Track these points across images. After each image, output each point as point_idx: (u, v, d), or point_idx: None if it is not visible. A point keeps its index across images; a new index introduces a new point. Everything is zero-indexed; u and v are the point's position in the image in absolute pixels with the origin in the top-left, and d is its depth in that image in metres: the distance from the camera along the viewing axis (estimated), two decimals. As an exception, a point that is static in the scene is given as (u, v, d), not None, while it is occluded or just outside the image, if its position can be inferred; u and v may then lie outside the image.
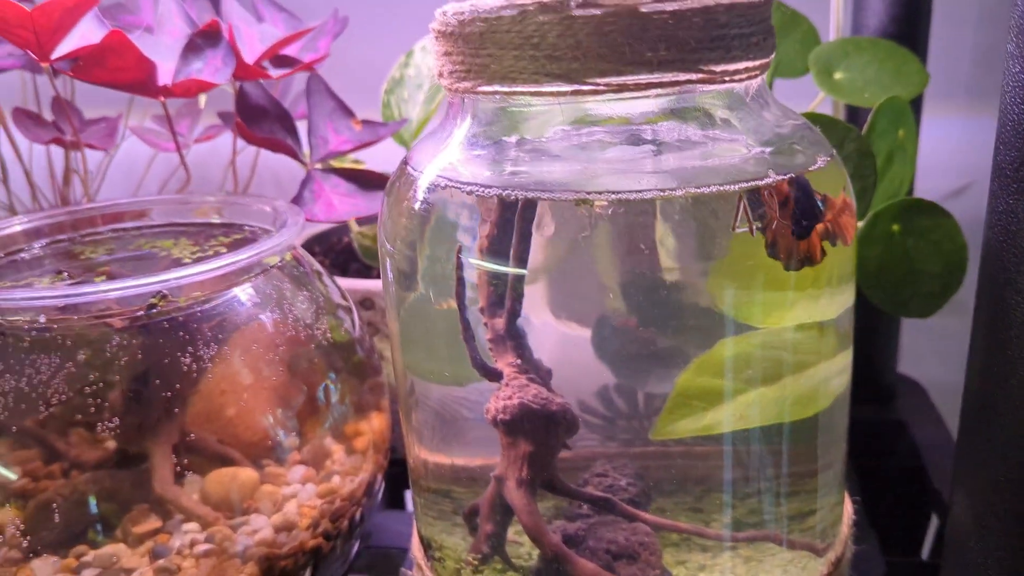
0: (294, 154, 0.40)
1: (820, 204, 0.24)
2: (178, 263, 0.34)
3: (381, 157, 0.47)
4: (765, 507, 0.29)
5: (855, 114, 0.45)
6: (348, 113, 0.43)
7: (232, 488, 0.35)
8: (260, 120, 0.40)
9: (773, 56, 0.26)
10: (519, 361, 0.29)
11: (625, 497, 0.31)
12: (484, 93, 0.24)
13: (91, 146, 0.46)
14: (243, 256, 0.30)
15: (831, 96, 0.40)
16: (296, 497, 0.34)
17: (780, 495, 0.29)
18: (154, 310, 0.29)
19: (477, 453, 0.30)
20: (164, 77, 0.38)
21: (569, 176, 0.24)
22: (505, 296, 0.28)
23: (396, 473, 0.47)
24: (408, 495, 0.44)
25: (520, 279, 0.26)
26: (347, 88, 0.45)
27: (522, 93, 0.23)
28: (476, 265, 0.26)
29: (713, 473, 0.29)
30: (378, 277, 0.46)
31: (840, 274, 0.29)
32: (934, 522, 0.42)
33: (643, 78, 0.23)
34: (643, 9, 0.22)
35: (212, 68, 0.37)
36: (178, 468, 0.35)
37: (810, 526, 0.29)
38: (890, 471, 0.44)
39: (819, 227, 0.25)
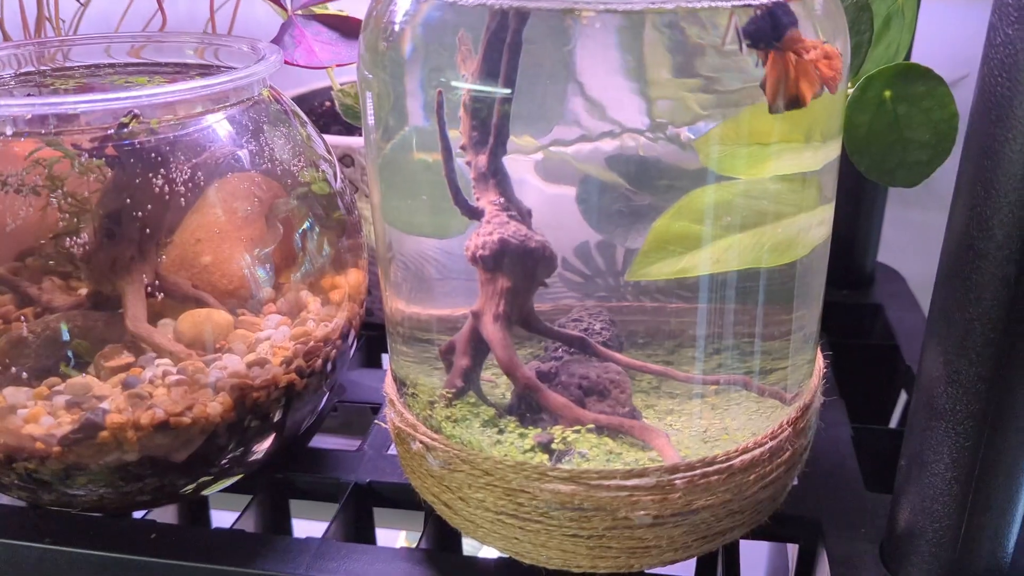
0: (274, -2, 0.39)
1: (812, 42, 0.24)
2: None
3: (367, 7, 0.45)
4: (736, 360, 0.29)
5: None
6: (333, -40, 0.41)
7: (205, 328, 0.34)
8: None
9: None
10: (501, 199, 0.28)
11: (599, 340, 0.31)
12: None
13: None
14: (216, 81, 0.29)
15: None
16: (269, 340, 0.34)
17: (752, 350, 0.29)
18: (125, 130, 0.28)
19: (452, 303, 0.29)
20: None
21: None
22: (489, 130, 0.27)
23: (373, 337, 0.47)
24: (385, 357, 0.44)
25: (507, 102, 0.25)
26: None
27: None
28: (459, 87, 0.25)
29: (686, 326, 0.29)
30: (360, 135, 0.45)
31: (826, 127, 0.29)
32: (903, 398, 0.43)
33: None
34: None
35: None
36: (157, 303, 0.35)
37: (780, 379, 0.29)
38: (864, 349, 0.45)
39: (809, 66, 0.25)
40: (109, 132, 0.28)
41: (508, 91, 0.25)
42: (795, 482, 0.35)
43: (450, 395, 0.29)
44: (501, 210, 0.28)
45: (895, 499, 0.30)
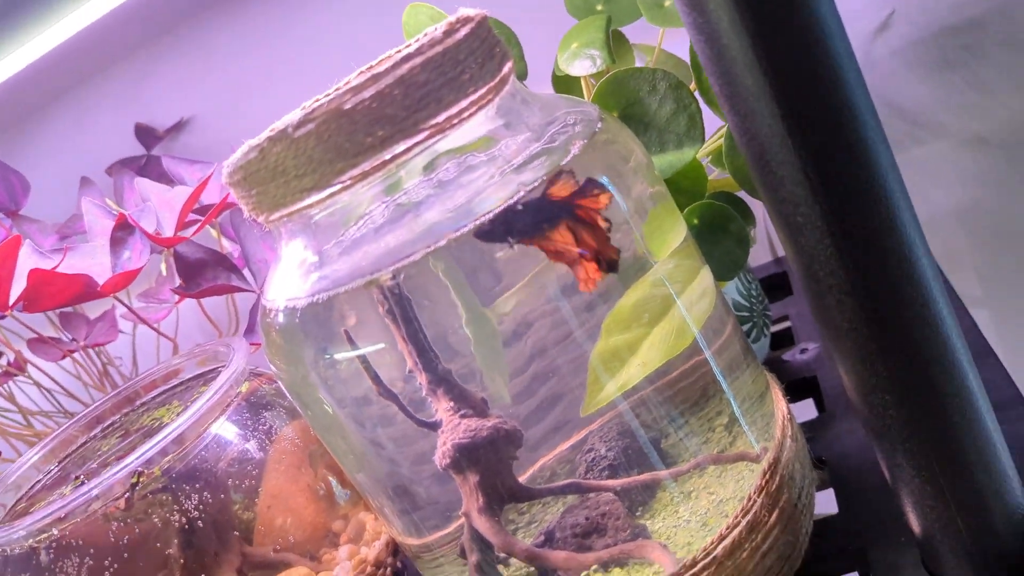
0: (238, 290, 0.45)
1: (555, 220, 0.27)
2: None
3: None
4: (697, 443, 0.31)
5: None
6: (276, 228, 0.47)
7: (287, 589, 0.39)
8: (202, 272, 0.45)
9: (507, 68, 0.28)
10: (451, 404, 0.32)
11: (605, 464, 0.34)
12: (272, 221, 0.28)
13: (97, 344, 0.52)
14: (185, 420, 0.35)
15: (663, 26, 0.42)
16: (338, 578, 0.39)
17: (704, 429, 0.31)
18: (138, 487, 0.34)
19: (432, 527, 0.33)
20: (107, 274, 0.43)
21: (365, 262, 0.27)
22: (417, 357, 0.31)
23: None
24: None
25: (416, 342, 0.29)
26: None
27: (292, 212, 0.27)
28: (342, 358, 0.29)
29: (645, 428, 0.31)
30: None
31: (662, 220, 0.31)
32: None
33: (377, 159, 0.26)
34: (346, 107, 0.25)
35: (137, 253, 0.42)
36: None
37: (743, 443, 0.31)
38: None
39: (581, 247, 0.27)
40: (127, 495, 0.34)
41: (381, 345, 0.29)
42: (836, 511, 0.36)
43: (474, 588, 0.32)
44: (453, 414, 0.32)
45: (902, 504, 0.30)
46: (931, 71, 0.58)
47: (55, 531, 0.34)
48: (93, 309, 0.57)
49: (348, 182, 0.26)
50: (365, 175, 0.26)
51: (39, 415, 0.56)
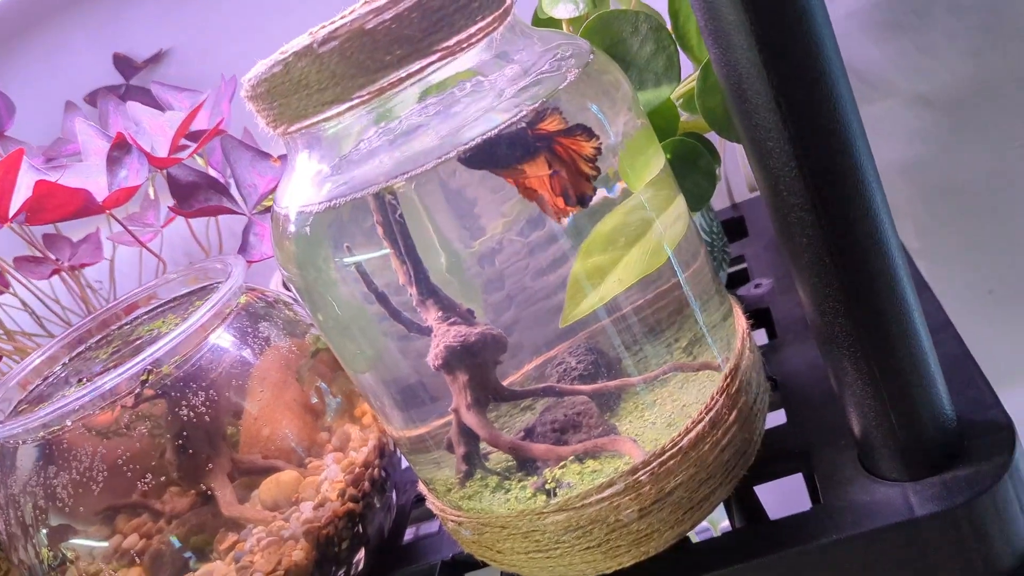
0: (230, 211, 0.47)
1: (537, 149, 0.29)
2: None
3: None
4: (665, 351, 0.34)
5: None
6: (265, 155, 0.49)
7: (278, 490, 0.42)
8: (195, 194, 0.47)
9: (509, 2, 0.31)
10: (440, 313, 0.35)
11: (576, 373, 0.37)
12: (290, 133, 0.30)
13: (84, 265, 0.54)
14: (190, 324, 0.37)
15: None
16: (327, 479, 0.42)
17: (671, 340, 0.34)
18: (148, 384, 0.36)
19: (425, 420, 0.36)
20: (103, 193, 0.45)
21: (376, 172, 0.30)
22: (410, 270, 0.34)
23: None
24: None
25: (412, 255, 0.32)
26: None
27: (312, 124, 0.29)
28: (350, 262, 0.32)
29: (620, 339, 0.34)
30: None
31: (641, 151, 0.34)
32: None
33: (392, 76, 0.28)
34: (368, 26, 0.28)
35: (134, 171, 0.44)
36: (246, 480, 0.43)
37: (706, 353, 0.35)
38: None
39: (550, 180, 0.30)
40: (137, 391, 0.36)
41: (386, 251, 0.31)
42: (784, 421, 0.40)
43: (460, 477, 0.35)
44: (442, 322, 0.35)
45: (845, 407, 0.34)
46: (882, 33, 0.62)
47: (68, 423, 0.36)
48: (74, 232, 0.58)
49: (367, 96, 0.28)
50: (382, 91, 0.28)
51: (21, 335, 0.58)
